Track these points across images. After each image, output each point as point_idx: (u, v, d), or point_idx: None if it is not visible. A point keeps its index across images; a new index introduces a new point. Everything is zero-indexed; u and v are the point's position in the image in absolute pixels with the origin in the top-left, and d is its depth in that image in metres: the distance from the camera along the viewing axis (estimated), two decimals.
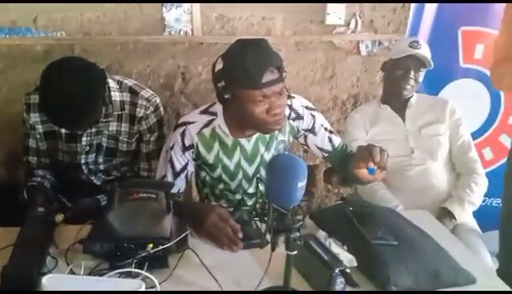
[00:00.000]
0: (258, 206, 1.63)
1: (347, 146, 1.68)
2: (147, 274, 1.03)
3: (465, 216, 1.89)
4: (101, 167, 1.79)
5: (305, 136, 1.62)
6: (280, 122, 1.41)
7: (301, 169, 0.98)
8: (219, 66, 1.38)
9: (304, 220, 1.02)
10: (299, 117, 1.57)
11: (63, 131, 1.69)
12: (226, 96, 1.37)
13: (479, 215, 2.00)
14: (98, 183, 1.82)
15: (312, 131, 1.60)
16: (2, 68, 2.14)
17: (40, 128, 1.70)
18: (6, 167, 2.27)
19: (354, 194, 2.22)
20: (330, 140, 1.64)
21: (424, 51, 1.91)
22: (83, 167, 1.76)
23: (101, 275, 1.07)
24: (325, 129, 1.63)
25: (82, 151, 1.72)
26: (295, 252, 1.01)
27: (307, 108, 1.59)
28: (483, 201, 2.30)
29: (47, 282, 0.87)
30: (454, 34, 2.37)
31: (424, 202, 1.87)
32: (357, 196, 2.14)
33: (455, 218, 1.83)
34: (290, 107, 1.55)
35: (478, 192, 1.91)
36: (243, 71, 1.30)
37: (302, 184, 0.98)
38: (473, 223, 1.94)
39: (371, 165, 1.29)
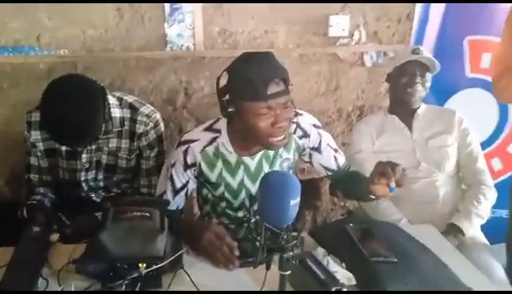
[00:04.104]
0: (251, 224, 1.60)
1: (349, 166, 1.66)
2: None
3: (473, 229, 1.83)
4: (101, 183, 1.79)
5: (310, 155, 1.58)
6: (285, 136, 1.37)
7: (293, 186, 0.95)
8: (224, 81, 1.35)
9: (298, 239, 0.99)
10: (306, 135, 1.53)
11: (63, 148, 1.69)
12: (230, 110, 1.34)
13: (488, 227, 1.94)
14: (98, 200, 1.81)
15: (317, 149, 1.57)
16: (5, 87, 2.16)
17: (41, 146, 1.71)
18: (11, 185, 2.28)
19: (359, 208, 2.18)
20: (336, 159, 1.61)
21: (427, 56, 1.89)
22: (83, 185, 1.76)
23: None
24: (331, 148, 1.59)
25: (82, 168, 1.72)
26: (288, 272, 0.98)
27: (314, 126, 1.55)
28: (493, 212, 2.24)
29: None
30: (460, 44, 2.34)
31: (429, 214, 1.82)
32: (361, 209, 2.10)
33: (463, 233, 1.78)
34: (298, 124, 1.51)
35: (486, 204, 1.86)
36: (247, 82, 1.27)
37: (295, 202, 0.95)
38: (481, 236, 1.88)
39: (393, 184, 1.27)
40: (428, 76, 1.89)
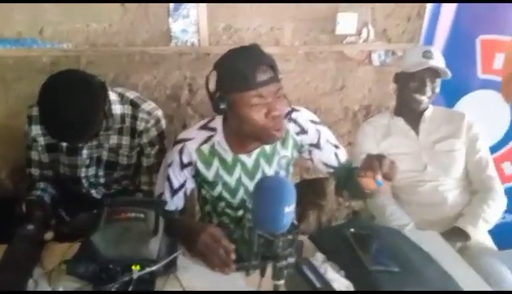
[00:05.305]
0: (245, 230, 1.57)
1: (352, 162, 1.61)
2: None
3: (479, 234, 1.78)
4: (102, 180, 1.77)
5: (310, 151, 1.55)
6: (281, 127, 1.34)
7: (288, 193, 0.92)
8: (213, 80, 1.32)
9: (293, 248, 0.95)
10: (303, 131, 1.50)
11: (64, 143, 1.67)
12: (223, 106, 1.31)
13: (498, 232, 1.89)
14: (98, 197, 1.79)
15: (317, 146, 1.53)
16: (8, 80, 2.15)
17: (42, 141, 1.69)
18: (13, 178, 2.28)
19: (365, 208, 2.14)
20: (336, 155, 1.57)
21: (439, 60, 1.83)
22: (84, 181, 1.75)
23: None
24: (331, 144, 1.56)
25: (82, 164, 1.70)
26: (282, 282, 0.95)
27: (312, 122, 1.52)
28: (503, 218, 2.19)
29: None
30: (472, 43, 2.27)
31: (437, 217, 1.79)
32: (367, 210, 2.06)
33: (468, 237, 1.73)
34: (295, 121, 1.49)
35: (495, 209, 1.80)
36: (235, 73, 1.26)
37: (289, 209, 0.91)
38: (489, 241, 1.83)
39: (379, 177, 1.21)
40: (438, 81, 1.83)
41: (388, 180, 1.25)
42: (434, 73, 1.81)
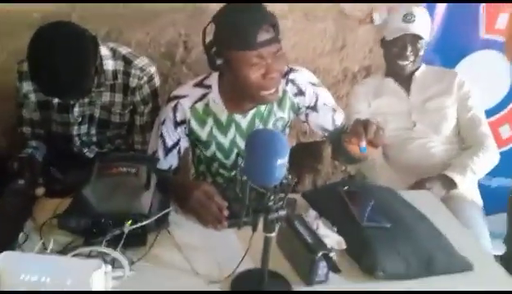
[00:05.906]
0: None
1: (347, 126, 1.59)
2: (117, 255, 0.98)
3: (466, 183, 1.77)
4: (94, 138, 1.74)
5: (306, 114, 1.52)
6: (276, 89, 1.32)
7: (280, 145, 0.90)
8: (210, 33, 1.28)
9: (285, 201, 0.94)
10: (301, 93, 1.47)
11: (55, 100, 1.64)
12: (219, 63, 1.28)
13: (491, 195, 1.91)
14: (91, 156, 1.77)
15: (314, 108, 1.50)
16: None
17: (33, 97, 1.65)
18: (7, 136, 2.25)
19: (359, 172, 2.14)
20: (333, 119, 1.54)
21: (419, 24, 1.79)
22: (76, 139, 1.72)
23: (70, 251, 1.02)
24: (329, 107, 1.52)
25: (74, 122, 1.67)
26: (273, 234, 0.94)
27: (310, 83, 1.48)
28: (493, 176, 2.17)
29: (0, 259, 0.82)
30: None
31: (424, 173, 1.78)
32: (359, 172, 2.07)
33: (455, 185, 1.73)
34: (293, 81, 1.45)
35: (484, 161, 1.79)
36: (236, 30, 1.21)
37: (282, 161, 0.90)
38: (476, 197, 1.83)
39: (363, 144, 1.21)
40: (422, 43, 1.81)
41: (374, 146, 1.24)
42: (416, 35, 1.78)
